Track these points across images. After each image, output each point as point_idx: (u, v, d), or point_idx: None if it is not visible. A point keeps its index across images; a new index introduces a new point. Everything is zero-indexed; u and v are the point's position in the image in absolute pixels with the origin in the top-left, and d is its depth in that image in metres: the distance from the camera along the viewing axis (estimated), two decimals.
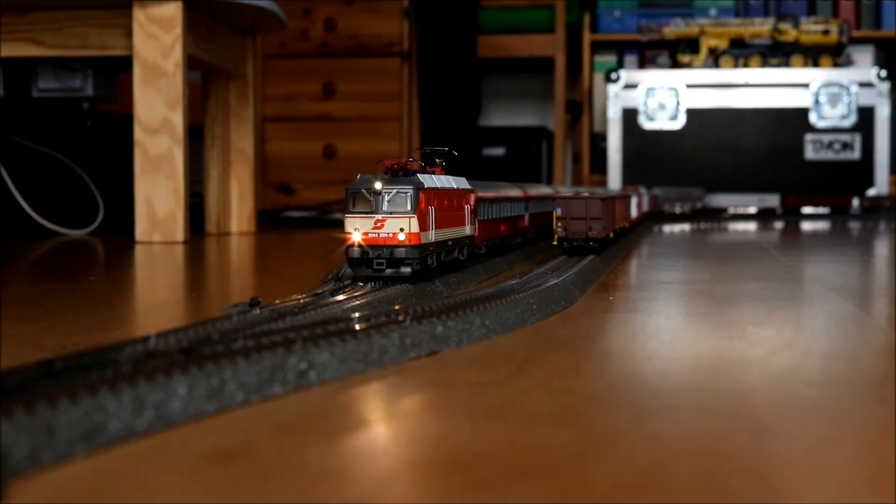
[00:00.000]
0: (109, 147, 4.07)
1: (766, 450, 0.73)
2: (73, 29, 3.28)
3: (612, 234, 2.18)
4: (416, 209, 1.43)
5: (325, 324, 1.06)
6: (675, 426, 0.80)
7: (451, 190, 1.65)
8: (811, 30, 5.61)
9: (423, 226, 1.46)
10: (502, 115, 6.59)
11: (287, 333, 1.00)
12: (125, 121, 3.37)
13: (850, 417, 0.84)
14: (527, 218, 2.43)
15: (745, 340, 1.21)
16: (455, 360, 1.07)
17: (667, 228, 4.37)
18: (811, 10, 6.01)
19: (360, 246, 1.44)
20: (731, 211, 5.47)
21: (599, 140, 5.99)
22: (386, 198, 1.44)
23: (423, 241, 1.46)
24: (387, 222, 1.43)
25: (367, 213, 1.44)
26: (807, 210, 5.42)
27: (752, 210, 5.46)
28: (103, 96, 3.64)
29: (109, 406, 0.76)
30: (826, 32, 5.59)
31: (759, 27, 5.66)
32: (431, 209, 1.50)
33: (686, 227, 4.59)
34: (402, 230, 1.43)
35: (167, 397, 0.81)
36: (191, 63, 3.33)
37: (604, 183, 5.71)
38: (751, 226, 4.74)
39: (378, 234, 1.44)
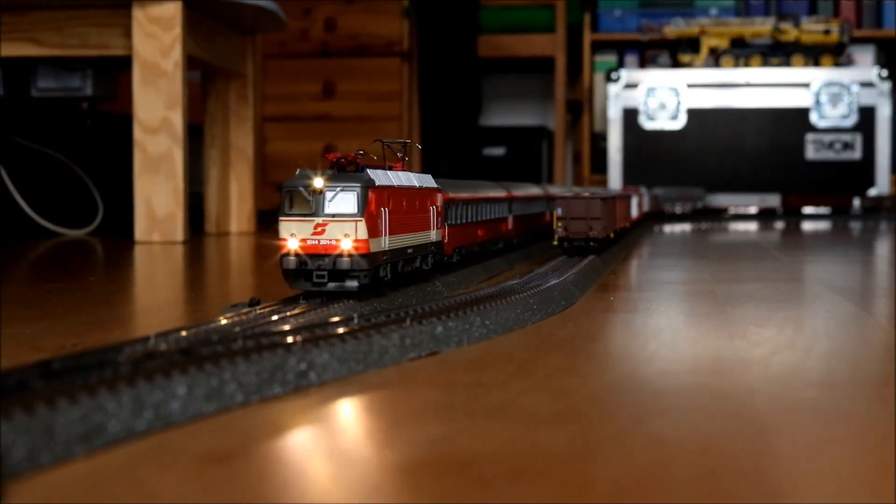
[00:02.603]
0: (109, 147, 4.06)
1: (768, 450, 0.72)
2: (72, 28, 3.28)
3: (612, 234, 2.17)
4: (365, 211, 1.24)
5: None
6: (675, 427, 0.80)
7: (411, 189, 1.44)
8: (812, 29, 5.60)
9: (374, 231, 1.26)
10: (502, 115, 6.59)
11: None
12: (125, 120, 3.37)
13: (852, 418, 0.84)
14: (510, 221, 2.21)
15: (747, 341, 1.21)
16: (455, 361, 1.07)
17: (667, 228, 4.37)
18: (812, 10, 6.00)
19: (296, 255, 1.24)
20: (732, 211, 5.46)
21: (600, 140, 5.98)
22: (328, 197, 1.24)
23: (374, 250, 1.26)
24: (329, 227, 1.23)
25: (305, 215, 1.24)
26: (808, 210, 5.42)
27: (753, 210, 5.46)
28: (103, 96, 3.64)
29: (108, 406, 0.76)
30: (827, 32, 5.59)
31: (760, 27, 5.65)
32: (384, 211, 1.30)
33: (687, 227, 4.58)
34: (346, 236, 1.23)
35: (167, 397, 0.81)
36: (190, 63, 3.33)
37: (604, 183, 5.70)
38: (752, 226, 4.73)
39: (318, 240, 1.24)
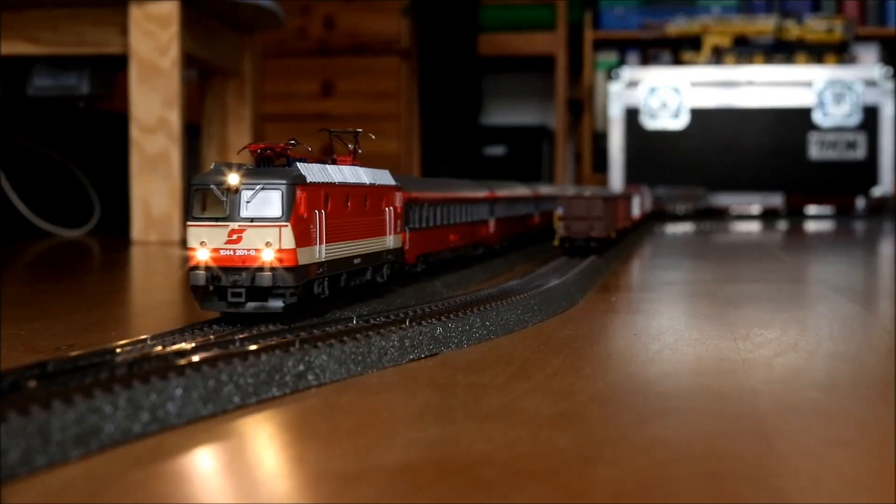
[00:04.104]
0: (106, 146, 4.06)
1: (771, 452, 0.72)
2: (69, 26, 3.28)
3: (614, 234, 2.16)
4: (291, 214, 1.03)
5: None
6: (678, 429, 0.79)
7: (358, 187, 1.23)
8: (815, 27, 5.59)
9: (303, 238, 1.06)
10: (503, 114, 6.58)
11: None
12: (122, 119, 3.37)
13: (856, 420, 0.83)
14: (492, 224, 1.99)
15: (750, 342, 1.20)
16: (455, 362, 1.06)
17: (669, 228, 4.36)
18: (815, 8, 5.99)
19: (207, 268, 1.03)
20: (735, 211, 5.45)
21: (601, 139, 5.98)
22: (245, 197, 1.03)
23: (303, 262, 1.06)
24: (246, 234, 1.03)
25: (218, 219, 1.04)
26: (811, 210, 5.41)
27: (756, 210, 5.45)
28: (99, 95, 3.64)
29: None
30: (830, 30, 5.57)
31: (763, 25, 5.64)
32: (320, 214, 1.10)
33: (689, 226, 4.58)
34: (268, 245, 1.03)
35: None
36: (188, 61, 3.32)
37: (605, 182, 5.70)
38: (754, 226, 4.73)
39: (234, 250, 1.03)
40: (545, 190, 2.72)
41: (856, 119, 5.45)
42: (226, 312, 1.07)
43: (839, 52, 5.56)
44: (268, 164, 1.09)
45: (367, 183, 1.28)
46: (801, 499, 0.62)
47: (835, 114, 5.46)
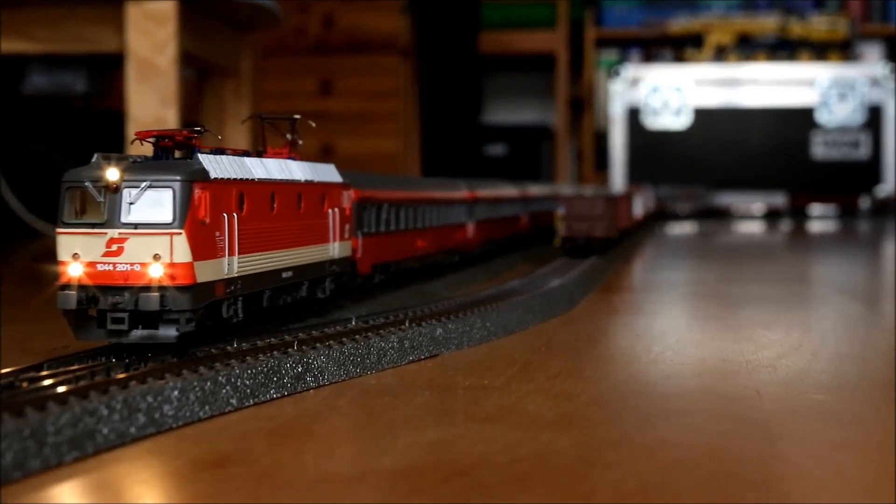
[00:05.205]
0: (103, 144, 4.05)
1: (775, 454, 0.71)
2: (65, 24, 3.28)
3: (615, 234, 2.15)
4: (186, 218, 0.84)
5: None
6: (681, 431, 0.79)
7: (288, 184, 1.03)
8: (818, 25, 5.57)
9: (204, 249, 0.86)
10: (504, 113, 6.58)
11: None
12: (119, 118, 3.37)
13: (860, 422, 0.82)
14: (471, 228, 1.79)
15: (753, 343, 1.19)
16: (455, 363, 1.05)
17: (672, 228, 4.35)
18: (819, 5, 5.97)
19: (81, 287, 0.84)
20: (737, 210, 5.44)
21: (603, 138, 5.97)
22: (128, 197, 0.84)
23: (204, 278, 0.86)
24: (129, 244, 0.84)
25: (94, 225, 0.84)
26: (814, 210, 5.39)
27: (759, 209, 5.44)
28: (96, 93, 3.64)
29: None
30: (834, 28, 5.56)
31: (766, 23, 5.63)
32: (230, 218, 0.91)
33: (691, 226, 4.57)
34: (156, 258, 0.84)
35: None
36: (186, 60, 3.32)
37: (607, 182, 5.69)
38: (757, 225, 4.72)
39: (114, 265, 0.84)
40: (535, 190, 2.49)
41: (859, 118, 5.43)
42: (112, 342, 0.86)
43: (843, 50, 5.55)
44: (163, 155, 0.90)
45: (302, 179, 1.06)
46: (804, 501, 0.61)
47: (838, 113, 5.45)
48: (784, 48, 5.73)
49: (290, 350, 0.94)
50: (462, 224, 1.75)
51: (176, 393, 0.80)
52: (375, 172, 1.47)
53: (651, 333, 1.30)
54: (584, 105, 6.40)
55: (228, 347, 0.94)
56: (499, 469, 0.68)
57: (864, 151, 5.56)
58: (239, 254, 0.93)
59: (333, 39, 6.00)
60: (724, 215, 5.37)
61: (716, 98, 5.73)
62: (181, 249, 0.84)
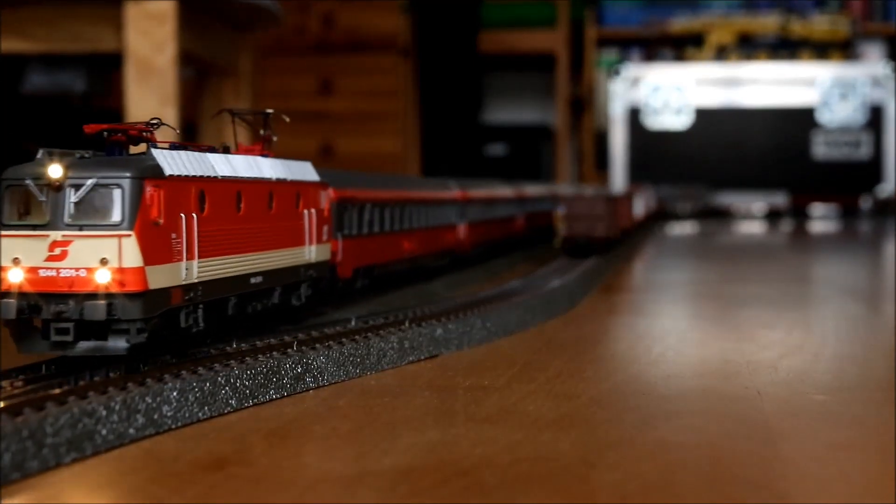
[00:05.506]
0: (103, 144, 4.05)
1: (777, 456, 0.71)
2: (64, 24, 3.28)
3: (616, 234, 2.15)
4: (137, 219, 0.78)
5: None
6: (682, 431, 0.78)
7: (257, 182, 0.97)
8: (820, 24, 5.57)
9: (158, 252, 0.80)
10: (504, 113, 6.58)
11: None
12: (118, 118, 3.37)
13: (862, 423, 0.82)
14: (462, 229, 1.72)
15: (755, 343, 1.19)
16: (455, 364, 1.05)
17: (672, 228, 4.35)
18: (820, 4, 5.96)
19: (22, 294, 0.78)
20: (738, 210, 5.44)
21: (603, 138, 5.96)
22: (71, 196, 0.78)
23: (158, 285, 0.80)
24: (74, 247, 0.78)
25: (36, 227, 0.79)
26: (815, 210, 5.39)
27: (760, 209, 5.44)
28: (95, 92, 3.64)
29: None
30: (835, 27, 5.55)
31: (767, 22, 5.62)
32: (188, 219, 0.85)
33: (692, 226, 4.57)
34: (103, 263, 0.77)
35: None
36: (185, 59, 3.33)
37: (607, 182, 5.69)
38: (758, 225, 4.72)
39: (57, 270, 0.78)
40: (531, 190, 2.41)
41: (861, 118, 5.43)
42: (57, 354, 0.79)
43: (844, 49, 5.54)
44: (114, 151, 0.84)
45: (273, 178, 1.00)
46: (805, 502, 0.61)
47: (839, 112, 5.44)
48: (785, 48, 5.72)
49: (289, 351, 0.94)
50: (453, 225, 1.69)
51: (175, 394, 0.80)
52: (359, 171, 1.42)
53: (652, 334, 1.30)
54: (584, 105, 6.40)
55: (227, 348, 0.94)
56: (499, 470, 0.68)
57: (865, 151, 5.55)
58: (199, 257, 0.86)
59: (333, 39, 6.00)
60: (724, 215, 5.37)
61: (716, 98, 5.72)
62: (131, 253, 0.78)
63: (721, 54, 5.74)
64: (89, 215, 0.78)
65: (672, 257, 2.71)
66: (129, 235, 0.78)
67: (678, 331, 1.33)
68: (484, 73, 6.45)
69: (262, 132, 1.05)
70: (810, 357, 1.11)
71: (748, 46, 5.73)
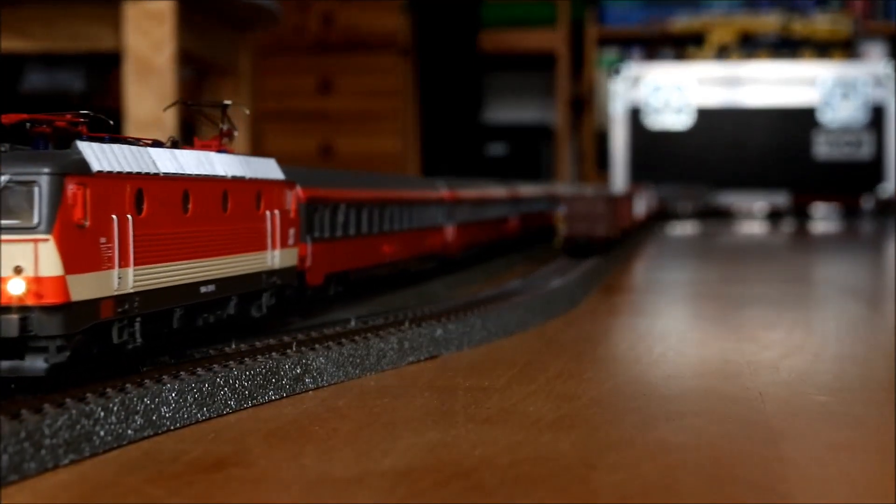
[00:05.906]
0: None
1: (778, 457, 0.70)
2: (63, 23, 3.29)
3: (617, 234, 2.15)
4: (55, 221, 0.70)
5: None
6: (683, 432, 0.78)
7: (209, 180, 0.87)
8: (821, 24, 5.56)
9: (83, 259, 0.72)
10: (504, 112, 6.57)
11: None
12: (117, 117, 3.37)
13: (863, 423, 0.82)
14: (450, 231, 1.64)
15: (756, 344, 1.18)
16: (455, 365, 1.05)
17: (673, 228, 4.35)
18: (821, 3, 5.95)
19: None
20: (739, 210, 5.44)
21: (604, 137, 5.96)
22: None
23: (83, 296, 0.72)
24: None
25: None
26: (817, 210, 5.39)
27: (761, 209, 5.43)
28: (94, 92, 3.64)
29: None
30: (836, 26, 5.54)
31: (768, 21, 5.62)
32: (121, 220, 0.76)
33: (693, 226, 4.57)
34: (17, 272, 0.69)
35: None
36: (184, 59, 3.33)
37: (607, 181, 5.68)
38: (759, 225, 4.72)
39: None
40: (526, 190, 2.30)
41: (862, 117, 5.42)
42: None
43: (845, 48, 5.54)
44: (35, 142, 0.76)
45: (228, 176, 0.90)
46: (807, 502, 0.61)
47: (841, 112, 5.44)
48: (786, 47, 5.72)
49: (288, 351, 0.94)
50: (440, 227, 1.58)
51: (173, 395, 0.80)
52: (334, 168, 1.36)
53: (653, 334, 1.30)
54: (584, 104, 6.39)
55: (226, 349, 0.94)
56: (499, 471, 0.67)
57: (866, 151, 5.54)
58: (136, 265, 0.77)
59: (333, 38, 5.99)
60: (725, 215, 5.37)
61: (718, 97, 5.72)
62: (49, 260, 0.69)
63: (722, 54, 5.74)
64: (2, 217, 0.69)
65: (673, 257, 2.70)
66: (47, 240, 0.69)
67: (679, 331, 1.32)
68: (484, 72, 6.45)
69: (220, 126, 0.95)
70: (811, 357, 1.11)
71: (749, 46, 5.72)
